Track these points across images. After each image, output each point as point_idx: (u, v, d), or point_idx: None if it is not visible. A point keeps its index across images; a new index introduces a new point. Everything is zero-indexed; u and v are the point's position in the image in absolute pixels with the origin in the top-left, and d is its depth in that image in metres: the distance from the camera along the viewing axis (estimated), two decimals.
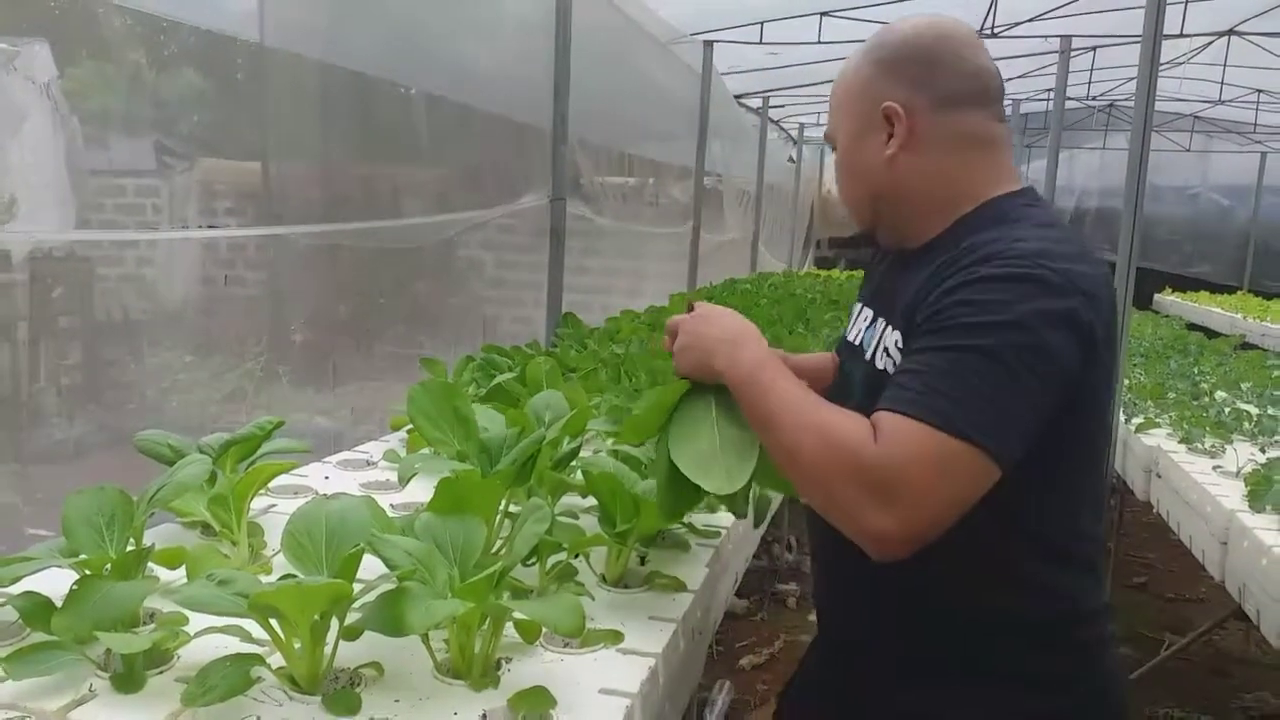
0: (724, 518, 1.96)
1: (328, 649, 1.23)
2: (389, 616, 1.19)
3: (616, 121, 5.03)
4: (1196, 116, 10.51)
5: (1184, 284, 11.27)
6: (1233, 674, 4.19)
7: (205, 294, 2.92)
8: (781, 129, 10.60)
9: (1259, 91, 8.90)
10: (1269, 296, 10.35)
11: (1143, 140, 3.27)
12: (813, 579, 1.59)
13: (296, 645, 1.21)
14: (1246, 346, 5.82)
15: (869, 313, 1.46)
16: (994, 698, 1.29)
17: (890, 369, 1.28)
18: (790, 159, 11.12)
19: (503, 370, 2.76)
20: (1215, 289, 10.96)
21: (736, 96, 8.10)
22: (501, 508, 1.67)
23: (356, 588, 1.21)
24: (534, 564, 1.58)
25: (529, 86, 3.65)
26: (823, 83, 8.56)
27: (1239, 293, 10.84)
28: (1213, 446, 3.02)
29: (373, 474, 2.23)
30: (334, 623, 1.22)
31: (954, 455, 1.10)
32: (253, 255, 2.95)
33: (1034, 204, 1.34)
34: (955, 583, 1.26)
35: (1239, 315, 8.94)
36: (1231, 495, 2.51)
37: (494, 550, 1.59)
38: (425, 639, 1.28)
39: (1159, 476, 3.03)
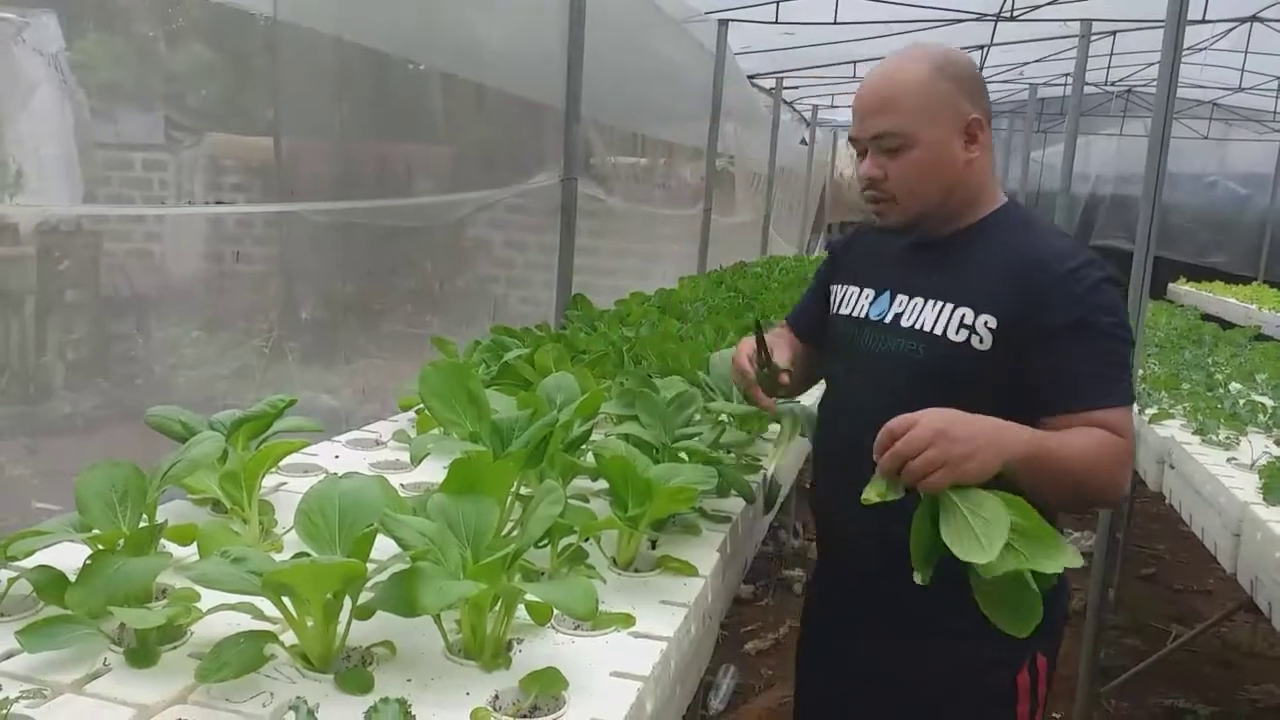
0: (735, 503, 1.96)
1: (340, 628, 1.23)
2: (402, 596, 1.19)
3: (629, 101, 4.99)
4: (1215, 104, 10.40)
5: (1199, 273, 11.19)
6: (1240, 666, 4.19)
7: (214, 270, 2.90)
8: (795, 110, 10.53)
9: None
10: None
11: (1164, 128, 3.23)
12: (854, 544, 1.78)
13: (309, 623, 1.21)
14: (1262, 338, 5.77)
15: (869, 293, 1.75)
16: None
17: (974, 342, 1.59)
18: (803, 141, 11.05)
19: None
20: (1230, 279, 10.88)
21: (750, 77, 8.04)
22: (513, 489, 1.66)
23: (369, 567, 1.21)
24: (545, 546, 1.58)
25: (542, 65, 3.62)
26: (838, 64, 8.50)
27: (1254, 283, 10.76)
28: (1227, 438, 3.00)
29: (383, 454, 2.23)
30: (347, 602, 1.22)
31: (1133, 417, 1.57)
32: (262, 232, 2.93)
33: (1029, 209, 1.79)
34: None
35: (1254, 306, 8.87)
36: (1246, 487, 2.49)
37: (506, 532, 1.59)
38: (437, 619, 1.28)
39: (1172, 468, 3.02)
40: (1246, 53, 7.76)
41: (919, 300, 1.67)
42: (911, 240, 1.72)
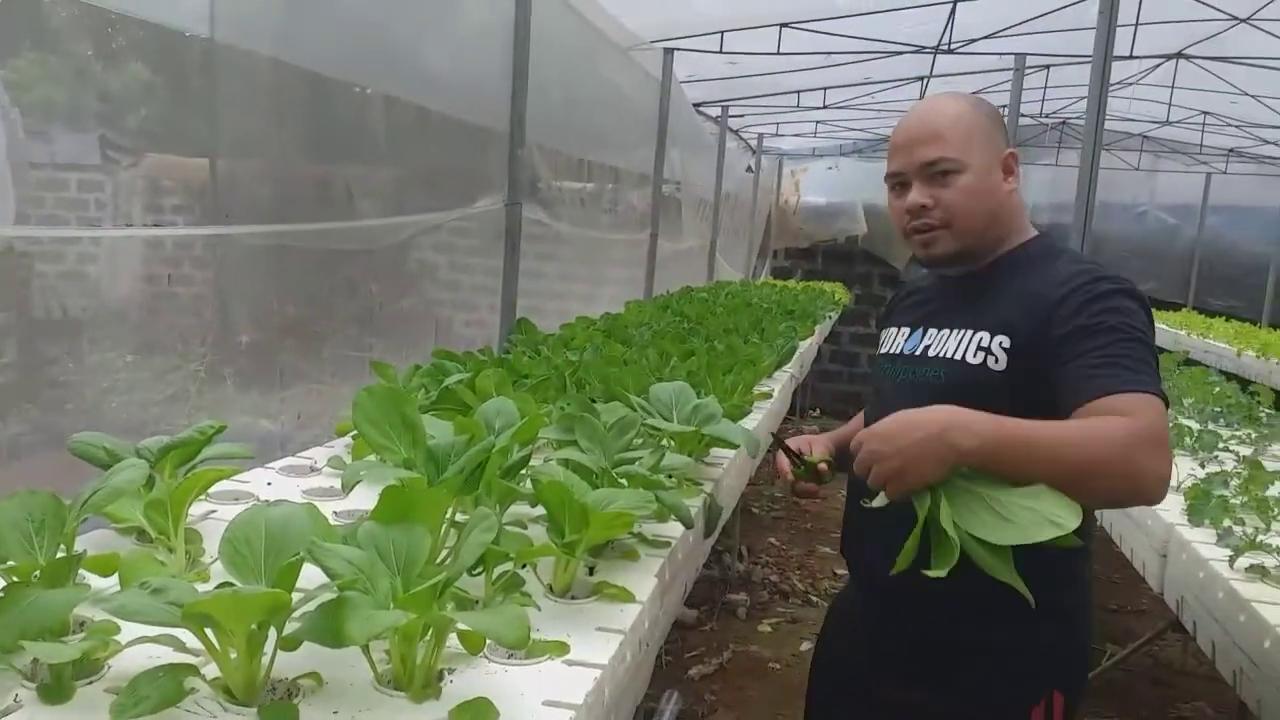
0: (674, 528, 1.96)
1: (265, 660, 1.20)
2: (328, 626, 1.17)
3: (575, 126, 5.01)
4: (1145, 136, 10.74)
5: None
6: (1171, 684, 4.28)
7: (149, 293, 2.84)
8: (740, 138, 10.65)
9: (1205, 113, 9.12)
10: (1211, 314, 10.60)
11: (1093, 159, 3.34)
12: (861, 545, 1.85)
13: (232, 655, 1.18)
14: (1190, 363, 5.95)
15: (905, 330, 1.83)
16: (1027, 629, 1.60)
17: (990, 363, 1.64)
18: (748, 168, 11.18)
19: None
20: (1161, 306, 11.18)
21: (696, 105, 8.13)
22: (448, 516, 1.65)
23: (296, 597, 1.19)
24: (480, 573, 1.56)
25: (487, 88, 3.62)
26: (782, 93, 8.64)
27: (1184, 310, 11.09)
28: None
29: (316, 480, 2.19)
30: (272, 632, 1.20)
31: (1164, 410, 1.48)
32: (200, 254, 2.88)
33: (1061, 242, 1.84)
34: None
35: (1183, 332, 9.14)
36: (1172, 509, 2.55)
37: (439, 560, 1.57)
38: (366, 649, 1.26)
39: None
40: (1174, 88, 8.03)
41: (946, 331, 1.74)
42: (946, 278, 1.81)
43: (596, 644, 1.43)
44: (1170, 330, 9.37)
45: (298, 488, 2.12)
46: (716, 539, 2.55)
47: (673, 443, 2.39)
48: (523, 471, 1.85)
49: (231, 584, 1.24)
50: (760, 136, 10.98)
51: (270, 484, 2.15)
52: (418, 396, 2.69)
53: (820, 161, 12.21)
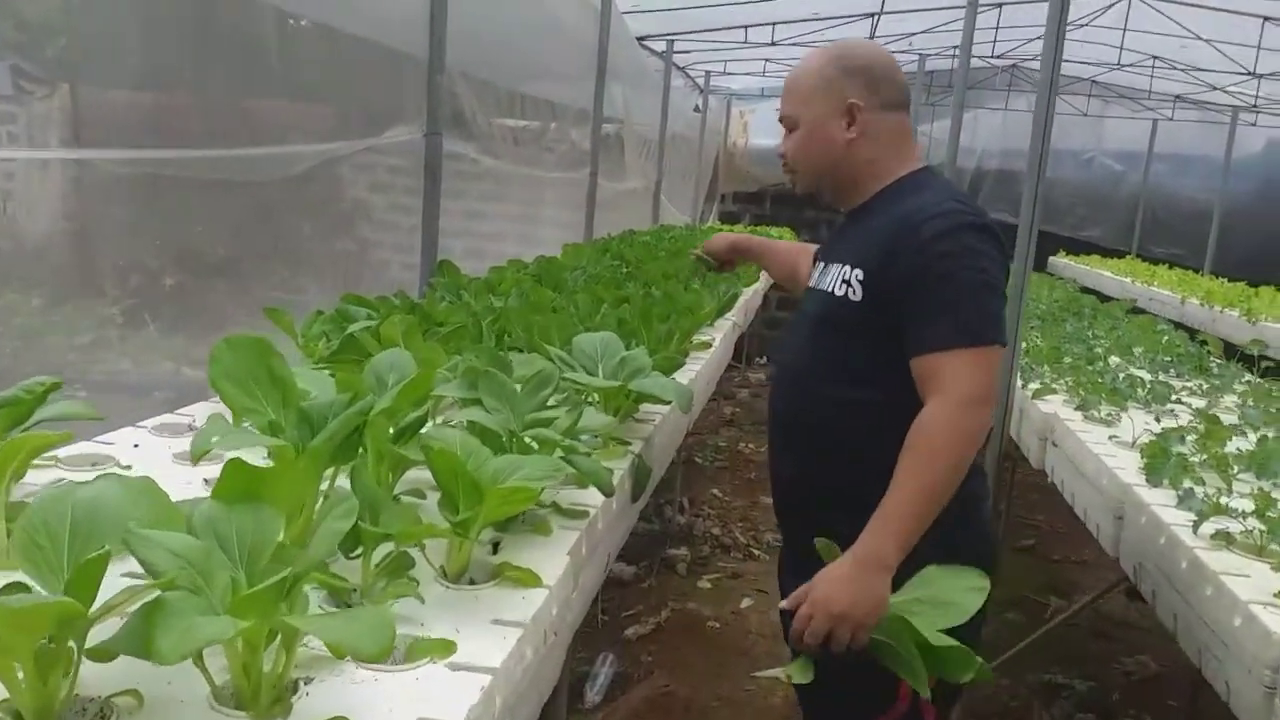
0: (594, 496, 1.75)
1: (65, 677, 0.97)
2: (140, 639, 0.94)
3: (506, 56, 4.69)
4: (1094, 81, 10.61)
5: (1076, 247, 11.46)
6: (1115, 638, 4.23)
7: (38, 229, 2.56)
8: (687, 75, 10.30)
9: (1154, 58, 9.01)
10: (1155, 261, 10.61)
11: (1048, 102, 3.13)
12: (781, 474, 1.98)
13: (20, 675, 0.95)
14: (1137, 310, 5.88)
15: (820, 265, 1.95)
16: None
17: (849, 295, 1.77)
18: (696, 108, 10.84)
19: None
20: (1106, 253, 11.18)
21: (640, 39, 7.79)
22: (325, 487, 1.42)
23: (113, 597, 0.96)
24: (359, 556, 1.34)
25: (402, 9, 3.31)
26: (730, 28, 8.33)
27: (1128, 257, 11.09)
28: (1109, 415, 2.94)
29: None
30: (73, 644, 0.97)
31: (988, 356, 1.65)
32: (58, 183, 2.57)
33: (936, 176, 1.89)
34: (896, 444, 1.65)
35: (1129, 279, 9.12)
36: (1128, 467, 2.41)
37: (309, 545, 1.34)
38: (199, 660, 1.03)
39: (1054, 445, 2.95)
40: (1125, 30, 7.88)
41: (830, 266, 1.87)
42: (845, 213, 1.95)
43: (490, 641, 1.22)
44: (1115, 278, 9.35)
45: (169, 450, 1.87)
46: (657, 492, 2.38)
47: (597, 399, 2.18)
48: (422, 431, 1.63)
49: (25, 585, 1.01)
50: (708, 74, 10.64)
51: (137, 445, 1.90)
52: (319, 346, 2.44)
53: (769, 102, 11.92)
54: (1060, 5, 3.15)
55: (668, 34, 8.23)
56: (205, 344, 3.18)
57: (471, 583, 1.41)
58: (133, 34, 2.55)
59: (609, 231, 6.60)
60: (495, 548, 1.54)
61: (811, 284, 1.97)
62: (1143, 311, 6.10)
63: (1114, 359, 3.97)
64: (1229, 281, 8.64)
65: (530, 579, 1.40)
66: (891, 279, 1.70)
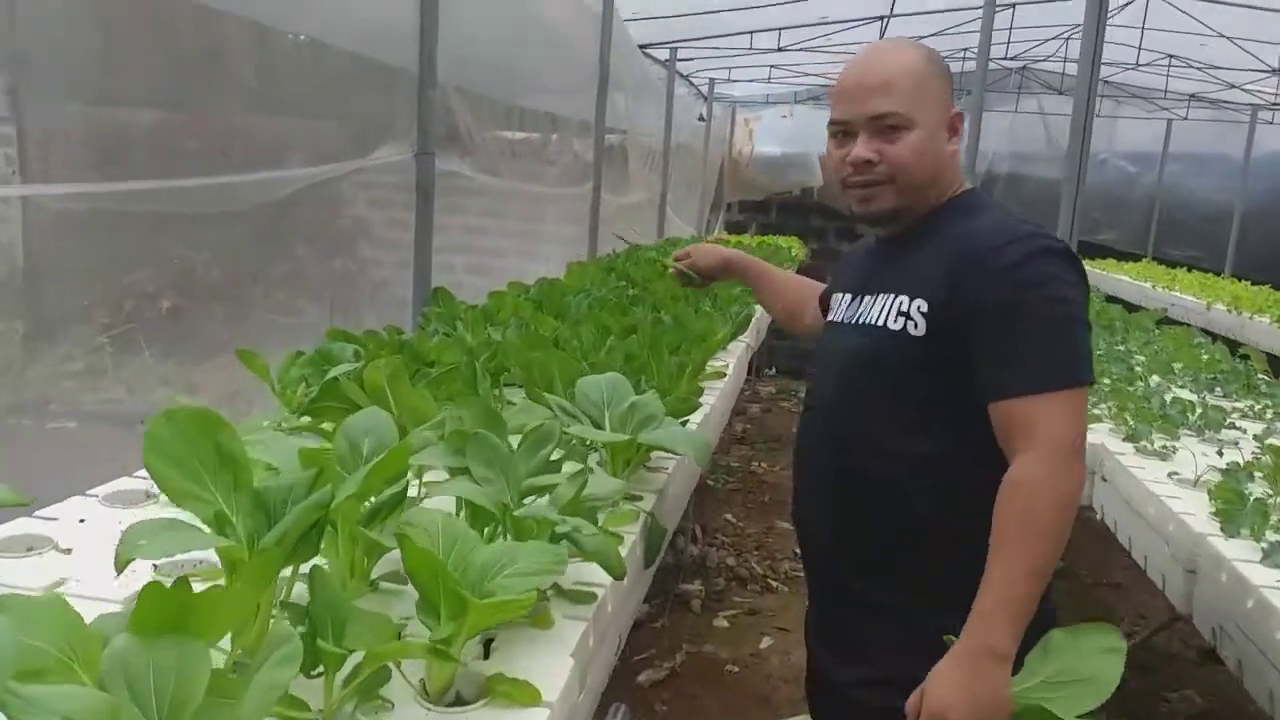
0: (600, 575, 1.51)
1: None
2: None
3: (504, 68, 4.47)
4: (1106, 81, 10.38)
5: (1091, 250, 11.21)
6: (1157, 670, 3.98)
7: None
8: (691, 84, 10.09)
9: (1171, 57, 8.78)
10: (1171, 264, 10.36)
11: (1087, 106, 2.92)
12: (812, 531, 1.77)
13: None
14: (1167, 321, 5.63)
15: (848, 297, 1.74)
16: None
17: (909, 328, 1.56)
18: (700, 117, 10.62)
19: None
20: (1121, 256, 10.95)
21: (642, 47, 7.57)
22: (280, 594, 1.20)
23: None
24: (319, 675, 1.12)
25: (391, 22, 3.09)
26: (734, 34, 8.11)
27: (1143, 260, 10.85)
28: (1163, 447, 2.70)
29: (150, 511, 1.71)
30: None
31: (1081, 398, 1.46)
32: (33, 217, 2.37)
33: (987, 196, 1.73)
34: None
35: (1147, 284, 8.87)
36: (1197, 512, 2.17)
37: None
38: None
39: (1104, 480, 2.70)
40: (1143, 29, 7.66)
41: (876, 296, 1.65)
42: (881, 239, 1.73)
43: None
44: (1133, 282, 9.10)
45: (120, 525, 1.64)
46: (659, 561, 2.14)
47: (604, 450, 1.95)
48: (403, 506, 1.41)
49: None
50: (711, 82, 10.43)
51: (83, 520, 1.67)
52: (297, 393, 2.22)
53: (774, 109, 11.70)
54: (1098, 5, 2.93)
55: (671, 42, 8.02)
56: (201, 370, 3.00)
57: (459, 699, 1.18)
58: (118, 56, 2.36)
59: (613, 247, 6.38)
60: (487, 648, 1.31)
61: (839, 319, 1.75)
62: (1173, 322, 5.85)
63: (1154, 378, 3.73)
64: (1252, 285, 8.39)
65: (527, 694, 1.17)
66: (960, 311, 1.50)
